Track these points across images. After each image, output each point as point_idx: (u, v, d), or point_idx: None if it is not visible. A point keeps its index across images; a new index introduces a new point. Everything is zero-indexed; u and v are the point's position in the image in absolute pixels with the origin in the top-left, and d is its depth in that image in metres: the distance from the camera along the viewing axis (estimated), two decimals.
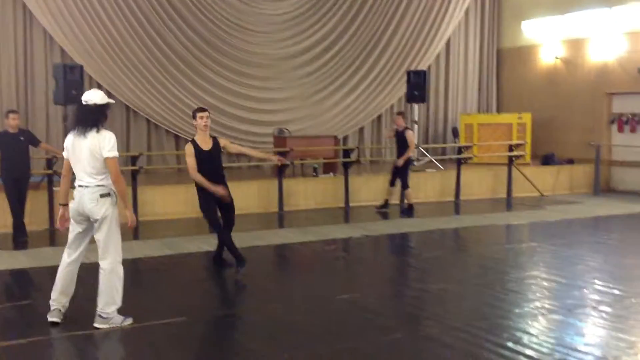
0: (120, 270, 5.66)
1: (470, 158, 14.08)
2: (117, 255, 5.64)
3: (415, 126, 15.50)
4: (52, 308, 5.69)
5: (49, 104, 13.28)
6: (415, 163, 14.22)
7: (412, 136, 12.00)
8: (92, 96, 5.64)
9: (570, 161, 15.66)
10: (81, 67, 11.97)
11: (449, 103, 17.77)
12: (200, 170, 7.32)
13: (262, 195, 12.17)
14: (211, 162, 7.41)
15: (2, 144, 9.20)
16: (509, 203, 13.54)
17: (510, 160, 14.12)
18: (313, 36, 16.21)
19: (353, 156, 13.01)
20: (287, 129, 14.70)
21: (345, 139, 16.38)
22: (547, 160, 15.62)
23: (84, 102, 5.63)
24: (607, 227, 10.99)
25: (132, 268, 8.11)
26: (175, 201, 11.40)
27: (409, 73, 15.03)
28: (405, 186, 11.98)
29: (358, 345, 5.22)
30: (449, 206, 13.07)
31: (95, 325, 5.56)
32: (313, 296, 6.73)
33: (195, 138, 7.44)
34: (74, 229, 5.69)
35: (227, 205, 7.56)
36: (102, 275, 5.61)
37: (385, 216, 11.73)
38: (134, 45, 14.19)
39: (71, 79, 11.44)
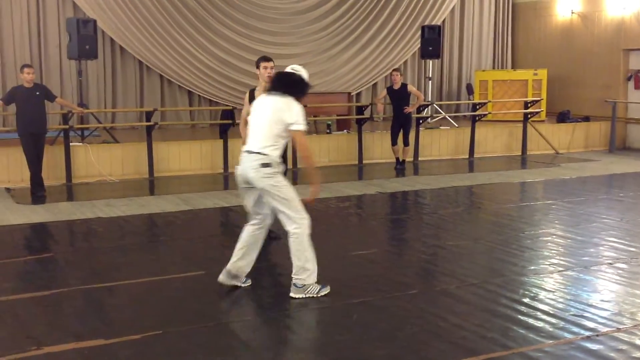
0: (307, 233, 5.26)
1: (484, 115, 13.99)
2: (302, 219, 5.21)
3: (430, 83, 15.39)
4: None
5: (63, 59, 13.27)
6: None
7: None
8: (301, 69, 5.56)
9: (586, 118, 15.52)
10: (94, 21, 11.93)
11: (463, 59, 17.56)
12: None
13: None
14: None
15: (18, 99, 9.21)
16: (523, 160, 13.50)
17: (526, 117, 14.02)
18: None
19: (366, 113, 12.96)
20: None
21: (358, 95, 16.29)
22: (562, 117, 15.49)
23: (290, 70, 5.52)
24: (622, 185, 10.95)
25: (149, 223, 8.24)
26: (190, 157, 11.45)
27: (423, 28, 14.85)
28: (407, 143, 11.97)
29: (374, 300, 5.28)
30: (463, 164, 13.05)
31: (291, 294, 5.26)
32: (328, 252, 6.76)
33: (256, 89, 7.05)
34: (247, 197, 5.36)
35: None
36: (290, 240, 5.25)
37: (400, 173, 11.73)
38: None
39: (84, 34, 11.41)
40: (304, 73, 5.53)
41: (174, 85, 14.67)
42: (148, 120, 11.14)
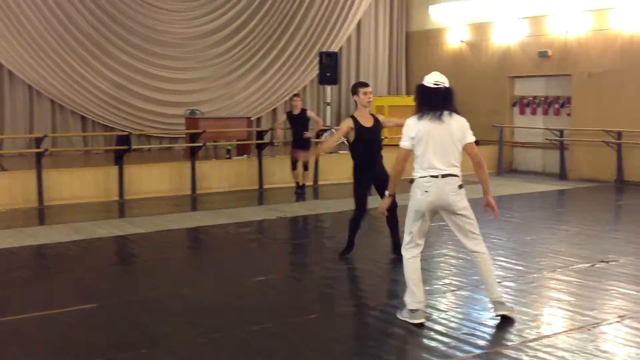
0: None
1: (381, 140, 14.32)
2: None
3: (328, 108, 15.64)
4: (418, 309, 5.25)
5: None
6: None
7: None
8: (443, 79, 5.32)
9: (476, 142, 16.14)
10: None
11: None
12: (358, 147, 7.08)
13: (174, 177, 11.99)
14: (370, 140, 7.12)
15: None
16: None
17: None
18: (225, 15, 16.02)
19: (266, 138, 13.01)
20: (199, 110, 14.51)
21: (258, 120, 16.33)
22: None
23: (434, 85, 5.26)
24: (509, 206, 11.47)
25: (38, 254, 7.88)
26: (83, 185, 11.08)
27: (321, 54, 15.13)
28: (307, 167, 12.14)
29: (273, 326, 5.26)
30: None
31: (500, 313, 5.29)
32: (228, 279, 6.72)
33: (355, 114, 7.08)
34: (423, 222, 5.32)
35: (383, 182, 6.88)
36: (478, 260, 5.37)
37: (300, 198, 11.80)
38: (36, 22, 13.58)
39: None
40: (446, 80, 5.42)
41: (66, 110, 14.20)
42: (38, 146, 10.70)
